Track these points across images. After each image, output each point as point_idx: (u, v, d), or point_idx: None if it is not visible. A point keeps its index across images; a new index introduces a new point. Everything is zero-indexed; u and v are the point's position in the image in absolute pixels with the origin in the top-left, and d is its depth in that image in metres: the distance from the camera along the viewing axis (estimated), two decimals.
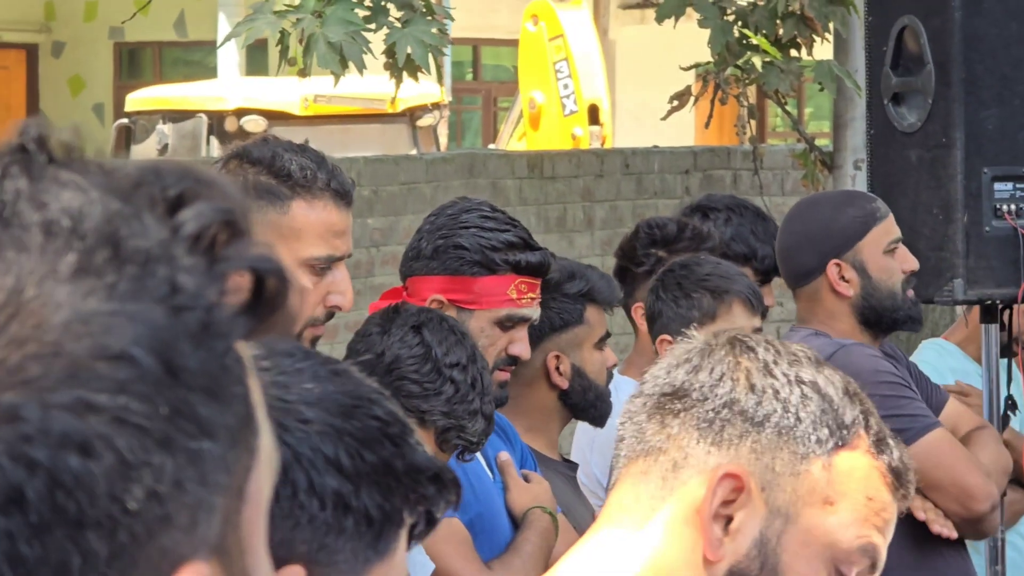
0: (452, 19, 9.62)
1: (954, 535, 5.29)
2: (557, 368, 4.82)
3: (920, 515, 5.20)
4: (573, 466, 5.06)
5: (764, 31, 9.19)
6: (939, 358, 6.19)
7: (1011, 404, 5.81)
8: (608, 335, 5.22)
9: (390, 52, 8.47)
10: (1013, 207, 5.72)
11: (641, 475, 2.37)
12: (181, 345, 0.78)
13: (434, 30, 8.47)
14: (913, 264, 5.33)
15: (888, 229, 5.37)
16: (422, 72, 9.10)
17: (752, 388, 2.37)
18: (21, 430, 0.74)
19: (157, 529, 0.77)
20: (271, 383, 1.71)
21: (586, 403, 4.90)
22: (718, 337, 2.48)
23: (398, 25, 8.41)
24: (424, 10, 8.47)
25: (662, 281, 5.27)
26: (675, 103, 9.58)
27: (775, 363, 2.41)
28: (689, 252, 5.50)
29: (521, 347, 4.63)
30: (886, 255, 5.37)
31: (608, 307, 5.11)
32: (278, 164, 3.94)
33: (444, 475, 1.96)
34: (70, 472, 0.74)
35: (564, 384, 4.85)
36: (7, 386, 0.76)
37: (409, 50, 8.40)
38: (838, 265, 5.32)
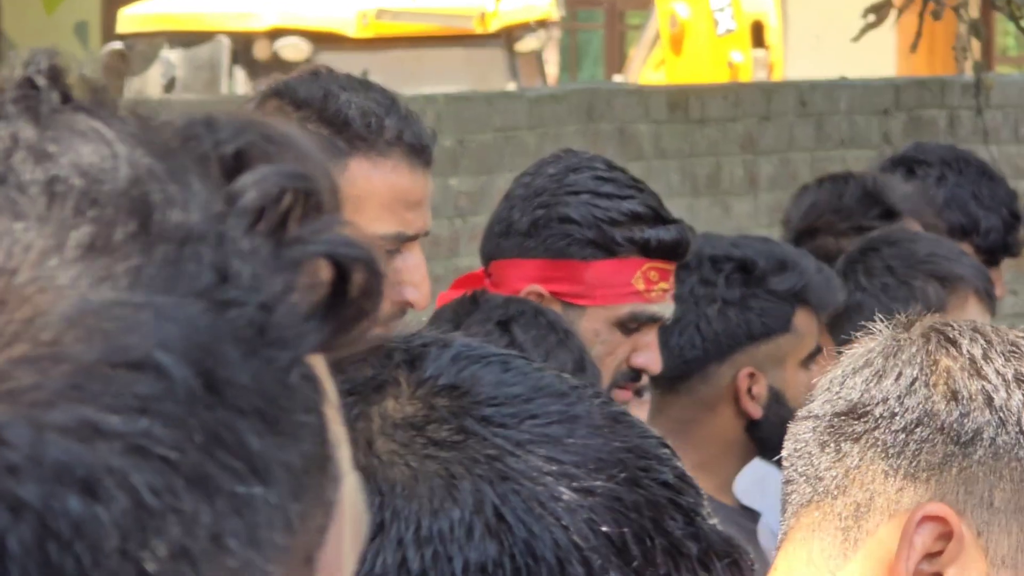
0: None
1: None
2: (750, 390, 4.72)
3: None
4: (753, 515, 4.91)
5: None
6: None
7: None
8: (819, 350, 4.98)
9: None
10: None
11: (815, 527, 2.27)
12: (228, 353, 0.75)
13: None
14: None
15: None
16: None
17: (955, 396, 2.23)
18: (4, 458, 0.71)
19: None
20: (539, 437, 1.68)
21: (781, 438, 4.49)
22: (911, 330, 2.35)
23: None
24: None
25: (863, 263, 5.12)
26: (871, 18, 9.84)
27: (986, 359, 2.26)
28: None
29: (649, 357, 4.46)
30: None
31: (823, 311, 4.95)
32: (332, 108, 3.86)
33: (743, 559, 1.81)
34: (68, 517, 0.70)
35: (757, 412, 4.74)
36: None
37: None
38: None
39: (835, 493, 2.24)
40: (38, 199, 0.73)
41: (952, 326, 2.38)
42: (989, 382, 2.23)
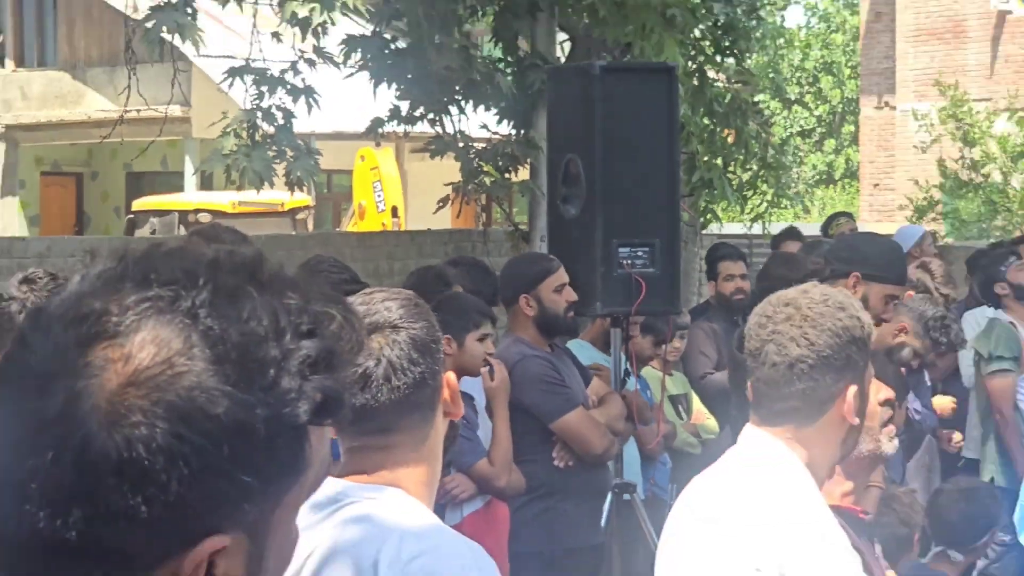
0: (320, 154, 12.34)
1: (571, 463, 7.05)
2: None
3: (558, 463, 7.05)
4: None
5: (490, 162, 12.62)
6: (579, 350, 7.97)
7: (627, 373, 7.75)
8: None
9: (288, 176, 12.05)
10: (629, 261, 7.81)
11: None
12: (259, 418, 1.21)
13: (312, 162, 12.01)
14: (572, 297, 7.23)
15: (559, 277, 7.21)
16: (303, 188, 13.45)
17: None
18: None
19: (201, 508, 1.24)
20: None
21: None
22: None
23: (291, 159, 11.83)
24: (306, 151, 11.91)
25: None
26: (441, 204, 13.57)
27: None
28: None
29: None
30: (555, 292, 7.19)
31: None
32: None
33: None
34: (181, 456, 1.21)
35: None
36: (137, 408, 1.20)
37: (299, 174, 11.95)
38: (525, 298, 7.11)
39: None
40: (216, 344, 1.26)
41: None
42: None
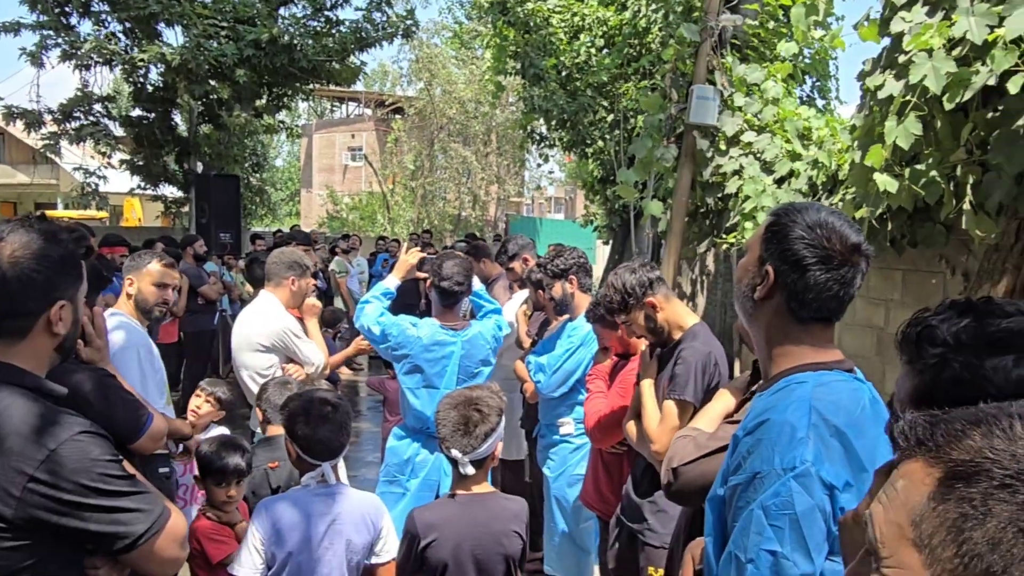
0: (108, 201, 19.24)
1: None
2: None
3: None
4: None
5: (173, 206, 20.97)
6: (210, 267, 11.73)
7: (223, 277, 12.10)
8: None
9: (97, 207, 22.89)
10: (224, 237, 16.72)
11: None
12: (65, 254, 2.11)
13: (105, 204, 20.77)
14: (204, 248, 10.86)
15: (201, 242, 10.92)
16: (102, 210, 24.24)
17: None
18: None
19: (55, 286, 2.10)
20: None
21: None
22: None
23: (98, 203, 19.82)
24: (102, 201, 19.71)
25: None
26: (157, 217, 26.02)
27: None
28: None
29: None
30: (200, 247, 10.82)
31: None
32: None
33: None
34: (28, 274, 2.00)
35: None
36: None
37: (99, 206, 23.55)
38: (189, 248, 10.46)
39: None
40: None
41: None
42: None
